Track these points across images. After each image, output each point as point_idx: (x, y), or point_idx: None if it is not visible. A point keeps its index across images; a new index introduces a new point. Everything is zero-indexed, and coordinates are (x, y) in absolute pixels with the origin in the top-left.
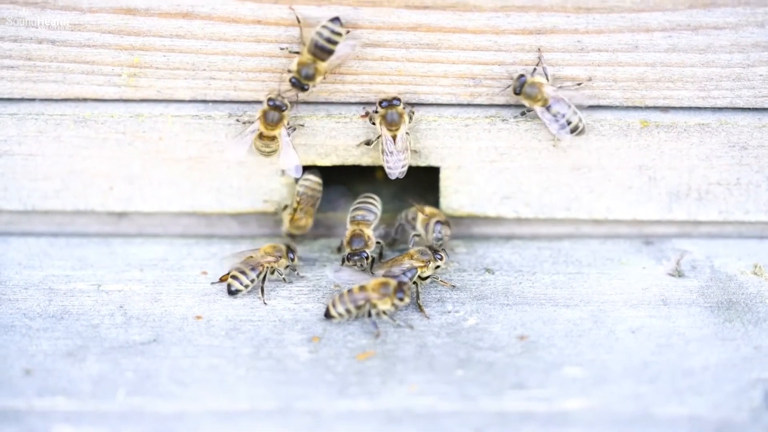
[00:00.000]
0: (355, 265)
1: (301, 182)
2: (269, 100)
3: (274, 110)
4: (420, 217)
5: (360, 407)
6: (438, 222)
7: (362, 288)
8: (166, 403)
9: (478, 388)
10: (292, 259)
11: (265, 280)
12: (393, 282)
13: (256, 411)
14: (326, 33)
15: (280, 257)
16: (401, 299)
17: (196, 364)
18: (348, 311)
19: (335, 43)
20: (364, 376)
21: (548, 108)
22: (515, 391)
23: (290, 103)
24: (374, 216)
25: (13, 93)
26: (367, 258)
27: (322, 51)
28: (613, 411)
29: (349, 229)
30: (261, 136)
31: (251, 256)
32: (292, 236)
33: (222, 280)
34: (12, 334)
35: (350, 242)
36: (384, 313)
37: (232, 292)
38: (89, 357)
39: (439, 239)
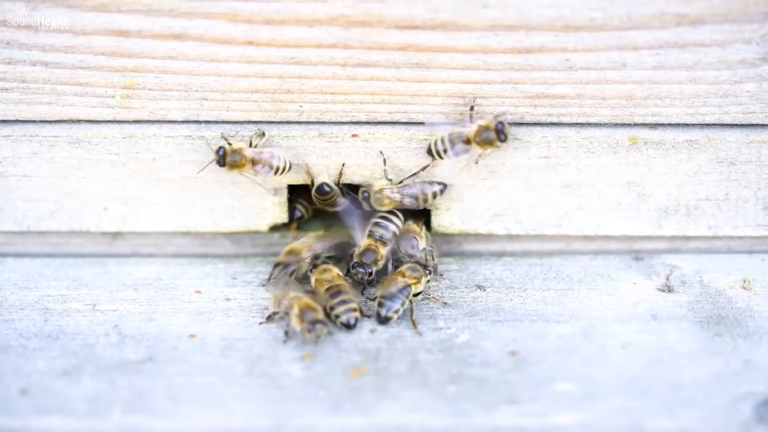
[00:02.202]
0: (358, 276)
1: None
2: (216, 157)
3: (226, 156)
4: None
5: (353, 424)
6: (403, 240)
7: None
8: (161, 421)
9: (471, 404)
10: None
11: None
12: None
13: (251, 428)
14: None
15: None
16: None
17: (191, 383)
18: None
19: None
20: (357, 392)
21: None
22: (507, 406)
23: (228, 139)
24: (392, 234)
25: (8, 115)
26: (370, 275)
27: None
28: (604, 425)
29: (365, 242)
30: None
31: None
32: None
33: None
34: (8, 354)
35: (362, 254)
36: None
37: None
38: (85, 376)
39: (411, 255)
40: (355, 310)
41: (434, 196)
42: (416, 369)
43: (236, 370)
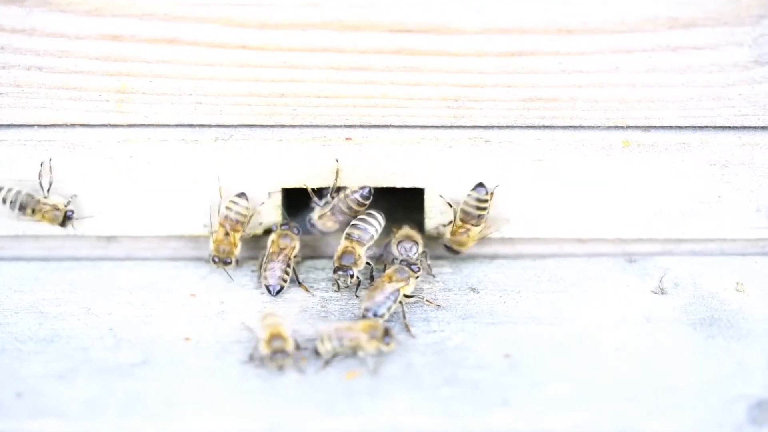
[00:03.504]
0: (340, 281)
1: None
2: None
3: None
4: (392, 240)
5: (348, 426)
6: (399, 242)
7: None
8: (156, 424)
9: (464, 406)
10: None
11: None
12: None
13: (245, 431)
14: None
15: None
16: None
17: (186, 385)
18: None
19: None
20: (351, 395)
21: None
22: (501, 408)
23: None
24: (370, 236)
25: (2, 119)
26: (352, 276)
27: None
28: (597, 428)
29: (342, 244)
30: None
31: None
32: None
33: None
34: (3, 357)
35: (340, 257)
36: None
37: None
38: (80, 379)
39: (407, 258)
40: (285, 281)
41: (359, 203)
42: (410, 371)
43: (231, 372)
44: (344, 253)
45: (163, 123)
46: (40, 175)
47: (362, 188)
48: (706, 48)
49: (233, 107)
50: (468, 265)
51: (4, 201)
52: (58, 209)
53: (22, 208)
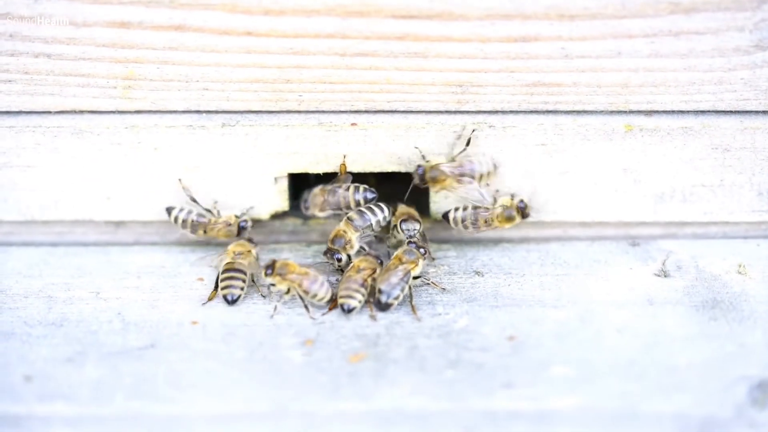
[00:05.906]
0: (329, 262)
1: None
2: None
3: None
4: (393, 220)
5: (353, 408)
6: (403, 221)
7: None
8: (163, 407)
9: (468, 388)
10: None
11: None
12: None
13: (251, 413)
14: None
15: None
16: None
17: (193, 368)
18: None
19: None
20: (356, 377)
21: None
22: (504, 390)
23: None
24: (368, 223)
25: (11, 106)
26: (340, 260)
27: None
28: (600, 409)
29: (338, 227)
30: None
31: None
32: None
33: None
34: (12, 341)
35: (332, 240)
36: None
37: None
38: (88, 363)
39: (410, 236)
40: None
41: (357, 204)
42: (414, 354)
43: (237, 356)
44: (336, 236)
45: (170, 109)
46: (196, 201)
47: (368, 191)
48: (708, 33)
49: (240, 93)
50: (472, 249)
51: (176, 221)
52: (230, 224)
53: (194, 230)
